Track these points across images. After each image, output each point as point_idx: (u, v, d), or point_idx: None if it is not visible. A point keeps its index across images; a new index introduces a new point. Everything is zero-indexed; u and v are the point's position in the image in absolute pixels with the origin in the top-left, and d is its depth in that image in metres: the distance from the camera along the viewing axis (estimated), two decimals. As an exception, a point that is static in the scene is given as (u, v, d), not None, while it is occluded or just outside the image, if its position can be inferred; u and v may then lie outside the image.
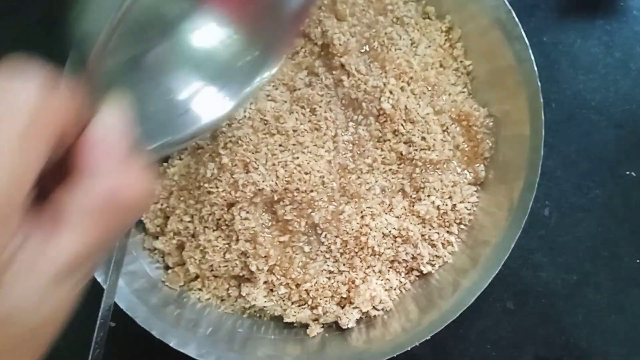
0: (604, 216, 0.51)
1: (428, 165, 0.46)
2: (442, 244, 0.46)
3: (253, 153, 0.44)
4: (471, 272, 0.44)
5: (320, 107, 0.46)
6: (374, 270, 0.46)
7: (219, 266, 0.45)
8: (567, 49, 0.52)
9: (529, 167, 0.43)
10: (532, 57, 0.43)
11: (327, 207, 0.44)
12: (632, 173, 0.51)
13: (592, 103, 0.52)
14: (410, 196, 0.47)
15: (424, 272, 0.46)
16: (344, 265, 0.46)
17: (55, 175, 0.24)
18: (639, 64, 0.52)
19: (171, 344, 0.43)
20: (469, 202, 0.46)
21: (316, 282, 0.45)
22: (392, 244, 0.46)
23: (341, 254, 0.45)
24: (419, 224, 0.46)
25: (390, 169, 0.46)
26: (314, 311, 0.46)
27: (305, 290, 0.45)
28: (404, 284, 0.47)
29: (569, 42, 0.52)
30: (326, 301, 0.45)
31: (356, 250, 0.45)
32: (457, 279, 0.45)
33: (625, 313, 0.50)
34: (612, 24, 0.52)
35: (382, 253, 0.45)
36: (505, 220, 0.44)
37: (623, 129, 0.51)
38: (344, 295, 0.45)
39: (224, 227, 0.45)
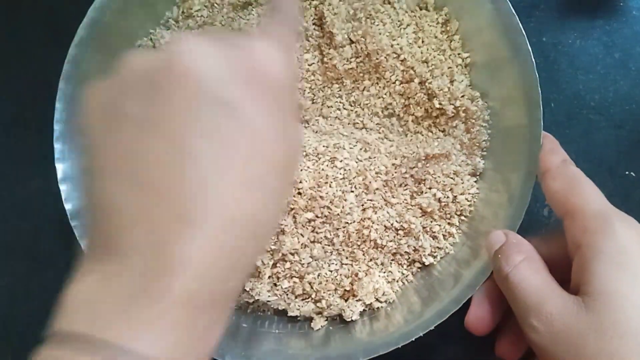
0: (603, 216, 0.51)
1: (430, 158, 0.46)
2: (444, 235, 0.47)
3: None
4: (473, 262, 0.44)
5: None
6: (376, 263, 0.46)
7: None
8: (567, 49, 0.53)
9: (529, 158, 0.43)
10: (530, 48, 0.44)
11: (331, 199, 0.45)
12: (632, 173, 0.51)
13: (591, 103, 0.52)
14: (412, 189, 0.47)
15: (426, 263, 0.47)
16: (346, 258, 0.46)
17: None
18: (638, 64, 0.52)
19: (175, 340, 0.43)
20: (469, 194, 0.47)
21: (319, 275, 0.45)
22: (394, 236, 0.46)
23: (343, 247, 0.45)
24: (420, 216, 0.46)
25: (392, 163, 0.46)
26: (318, 304, 0.46)
27: (309, 283, 0.45)
28: (406, 276, 0.47)
29: (568, 42, 0.53)
30: (329, 294, 0.46)
31: (358, 243, 0.45)
32: (459, 270, 0.45)
33: (625, 312, 0.50)
34: (611, 24, 0.53)
35: (385, 246, 0.46)
36: (506, 211, 0.44)
37: (622, 129, 0.52)
38: (347, 288, 0.46)
39: None
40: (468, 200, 0.47)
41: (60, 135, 0.46)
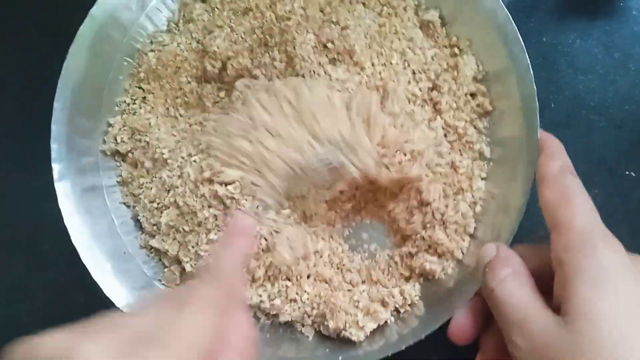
0: (603, 216, 0.51)
1: None
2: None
3: None
4: (466, 281, 0.44)
5: None
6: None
7: None
8: (566, 50, 0.52)
9: (526, 168, 0.43)
10: (528, 59, 0.43)
11: None
12: (632, 173, 0.51)
13: (591, 103, 0.52)
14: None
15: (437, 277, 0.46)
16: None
17: None
18: (638, 64, 0.52)
19: (169, 342, 0.43)
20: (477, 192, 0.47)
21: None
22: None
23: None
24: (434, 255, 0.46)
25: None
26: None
27: (300, 286, 0.45)
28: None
29: (568, 43, 0.53)
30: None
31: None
32: (453, 282, 0.45)
33: (624, 313, 0.50)
34: (611, 25, 0.52)
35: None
36: (501, 222, 0.44)
37: (622, 129, 0.51)
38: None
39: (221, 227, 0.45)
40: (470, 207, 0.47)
41: (57, 135, 0.46)
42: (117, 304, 0.44)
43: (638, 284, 0.31)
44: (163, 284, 0.48)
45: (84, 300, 0.52)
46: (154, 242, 0.47)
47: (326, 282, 0.46)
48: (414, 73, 0.47)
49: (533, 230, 0.50)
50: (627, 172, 0.51)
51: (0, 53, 0.57)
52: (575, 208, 0.35)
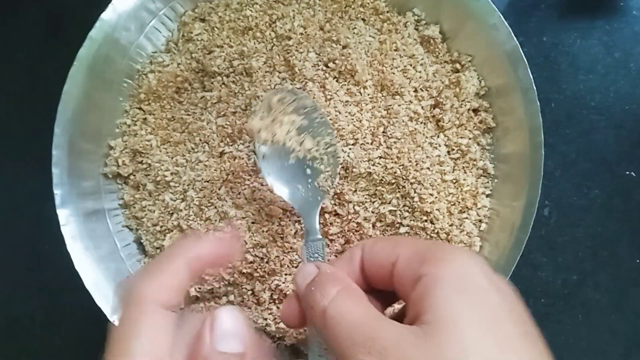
0: (603, 216, 0.51)
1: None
2: None
3: None
4: None
5: None
6: None
7: (219, 288, 0.45)
8: (567, 49, 0.52)
9: (530, 186, 0.43)
10: (531, 75, 0.43)
11: None
12: (632, 173, 0.51)
13: (591, 103, 0.52)
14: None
15: None
16: None
17: None
18: (638, 64, 0.52)
19: (176, 368, 0.43)
20: (483, 208, 0.47)
21: None
22: None
23: None
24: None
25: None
26: None
27: None
28: None
29: (568, 42, 0.53)
30: None
31: None
32: None
33: (625, 313, 0.50)
34: (612, 24, 0.52)
35: None
36: (505, 241, 0.44)
37: (623, 129, 0.52)
38: None
39: None
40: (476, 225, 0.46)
41: (58, 160, 0.45)
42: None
43: (499, 290, 0.29)
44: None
45: (83, 301, 0.51)
46: None
47: None
48: (415, 91, 0.47)
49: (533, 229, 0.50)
50: (627, 172, 0.51)
51: (1, 53, 0.57)
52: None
